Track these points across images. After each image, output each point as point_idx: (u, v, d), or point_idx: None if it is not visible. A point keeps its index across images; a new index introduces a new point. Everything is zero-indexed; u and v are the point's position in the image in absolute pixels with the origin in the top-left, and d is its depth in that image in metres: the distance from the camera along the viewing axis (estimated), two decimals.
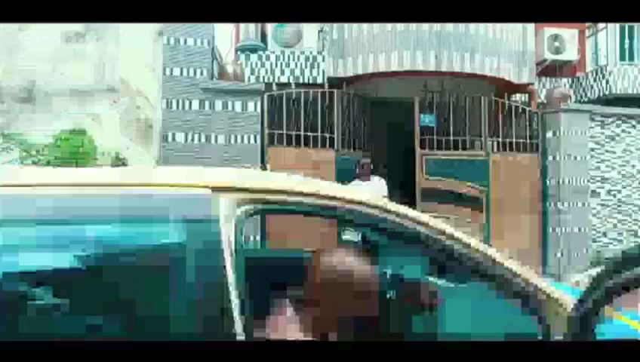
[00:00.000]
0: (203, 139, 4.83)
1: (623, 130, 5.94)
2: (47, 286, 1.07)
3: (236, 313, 1.04)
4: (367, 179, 4.96)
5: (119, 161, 4.73)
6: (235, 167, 4.85)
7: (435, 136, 5.40)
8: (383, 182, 5.11)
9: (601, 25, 7.17)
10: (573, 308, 1.02)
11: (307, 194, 1.16)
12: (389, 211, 1.21)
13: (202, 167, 5.06)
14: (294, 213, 1.21)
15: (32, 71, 4.74)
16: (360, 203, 1.19)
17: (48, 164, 4.39)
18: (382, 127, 5.91)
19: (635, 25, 7.06)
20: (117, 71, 4.87)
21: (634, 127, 5.98)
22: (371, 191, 4.91)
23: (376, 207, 1.20)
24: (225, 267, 1.05)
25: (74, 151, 4.38)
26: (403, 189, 6.59)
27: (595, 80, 7.06)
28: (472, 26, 5.47)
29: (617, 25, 6.96)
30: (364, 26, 5.56)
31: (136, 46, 4.93)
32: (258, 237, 4.84)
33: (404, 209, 1.27)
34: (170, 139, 4.80)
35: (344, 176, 5.13)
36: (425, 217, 1.29)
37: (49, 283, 1.08)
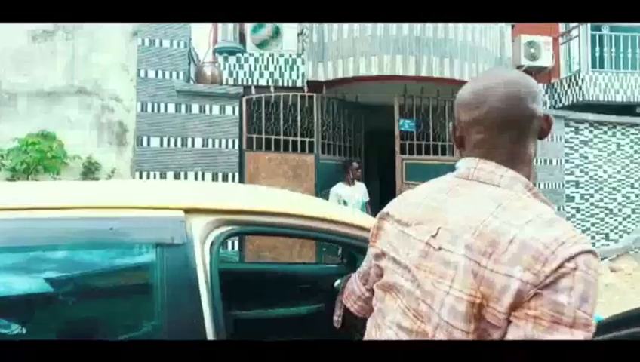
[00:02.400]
0: (179, 144, 4.70)
1: (595, 136, 6.11)
2: (16, 311, 1.07)
3: (210, 336, 0.99)
4: (353, 183, 4.91)
5: (91, 166, 4.55)
6: (213, 170, 4.75)
7: (415, 141, 5.42)
8: (364, 186, 5.09)
9: (574, 32, 7.35)
10: None
11: (288, 215, 1.10)
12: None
13: (178, 173, 4.81)
14: (275, 235, 1.15)
15: None
16: (343, 223, 1.14)
17: (14, 170, 4.18)
18: (362, 131, 5.88)
19: (605, 33, 7.28)
20: (88, 72, 4.68)
21: (605, 132, 6.16)
22: (356, 196, 4.88)
23: (361, 227, 1.14)
24: (199, 292, 0.99)
25: (42, 155, 4.18)
26: (382, 194, 6.61)
27: (568, 86, 7.24)
28: (452, 31, 5.51)
29: (589, 33, 7.15)
30: (345, 29, 5.54)
31: (109, 46, 4.74)
32: (236, 243, 4.74)
33: None
34: (144, 143, 4.65)
35: (324, 180, 5.08)
36: None
37: (16, 308, 1.07)
